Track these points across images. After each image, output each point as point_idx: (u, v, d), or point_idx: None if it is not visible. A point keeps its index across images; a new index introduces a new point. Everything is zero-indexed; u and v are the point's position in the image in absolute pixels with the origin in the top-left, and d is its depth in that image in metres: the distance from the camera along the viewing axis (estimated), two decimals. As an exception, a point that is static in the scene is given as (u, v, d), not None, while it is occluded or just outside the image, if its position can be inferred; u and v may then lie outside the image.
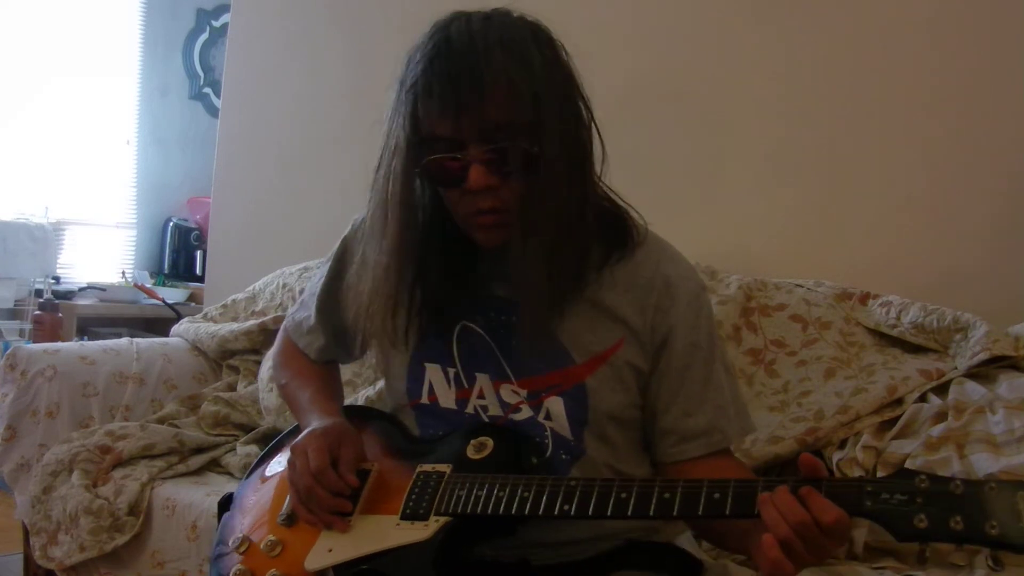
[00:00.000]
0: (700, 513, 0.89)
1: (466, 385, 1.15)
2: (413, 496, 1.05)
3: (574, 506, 0.94)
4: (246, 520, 1.18)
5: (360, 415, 1.25)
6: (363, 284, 1.12)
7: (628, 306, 1.10)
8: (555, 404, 1.11)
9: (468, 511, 1.00)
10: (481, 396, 1.14)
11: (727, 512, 0.88)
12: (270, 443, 1.32)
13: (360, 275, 1.14)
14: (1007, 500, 0.75)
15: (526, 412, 1.12)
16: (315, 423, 1.17)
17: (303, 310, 1.35)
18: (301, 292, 2.38)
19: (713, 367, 1.13)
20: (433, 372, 1.17)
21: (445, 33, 1.01)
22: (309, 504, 1.08)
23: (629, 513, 0.92)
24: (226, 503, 1.25)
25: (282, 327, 1.41)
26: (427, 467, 1.08)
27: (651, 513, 0.91)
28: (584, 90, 1.08)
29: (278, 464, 1.24)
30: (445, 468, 1.07)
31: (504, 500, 0.98)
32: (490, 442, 1.08)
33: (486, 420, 1.13)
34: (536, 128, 1.00)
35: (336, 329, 1.30)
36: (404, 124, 1.03)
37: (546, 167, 1.01)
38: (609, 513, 0.93)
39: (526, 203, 1.02)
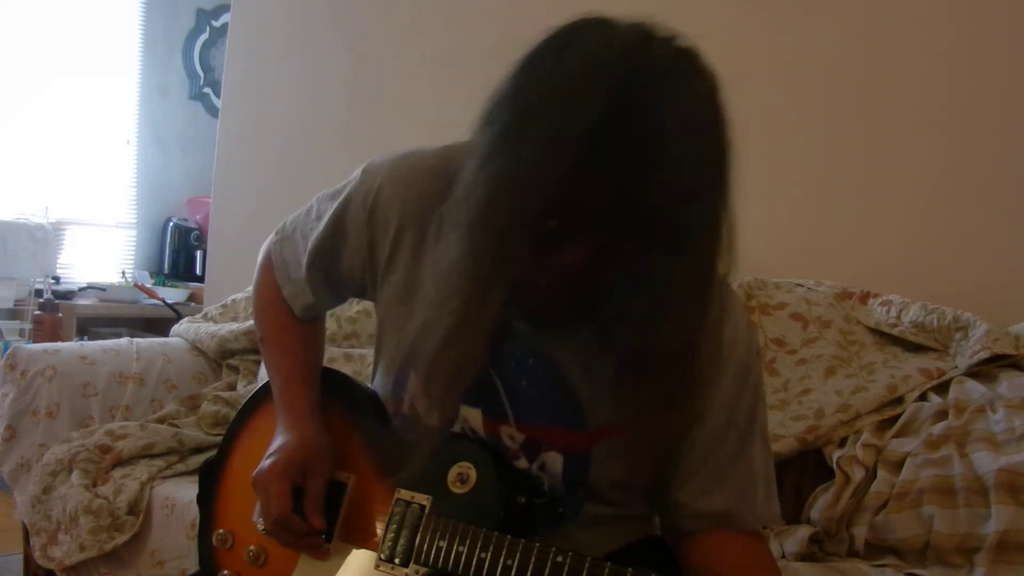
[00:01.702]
0: None
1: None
2: (391, 533, 0.99)
3: None
4: (226, 508, 1.14)
5: (338, 389, 1.15)
6: (429, 337, 0.91)
7: None
8: (553, 461, 1.00)
9: (448, 569, 0.94)
10: (468, 421, 1.04)
11: None
12: (233, 420, 1.22)
13: (427, 319, 0.93)
14: None
15: (522, 463, 1.01)
16: (280, 438, 1.07)
17: (292, 249, 1.15)
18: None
19: (747, 445, 0.99)
20: (416, 383, 1.04)
21: (636, 63, 0.79)
22: (281, 540, 1.04)
23: None
24: (208, 471, 1.19)
25: (265, 253, 1.20)
26: (406, 494, 1.00)
27: None
28: (732, 171, 0.90)
29: (254, 440, 1.15)
30: (424, 500, 0.99)
31: (486, 565, 0.91)
32: (473, 474, 0.98)
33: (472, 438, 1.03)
34: (674, 236, 0.82)
35: (329, 283, 1.14)
36: (553, 172, 0.77)
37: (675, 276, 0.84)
38: None
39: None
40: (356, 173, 1.10)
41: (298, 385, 1.13)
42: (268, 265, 1.19)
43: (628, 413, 0.92)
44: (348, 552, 1.04)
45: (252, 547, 1.09)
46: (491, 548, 0.91)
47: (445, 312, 0.88)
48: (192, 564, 1.70)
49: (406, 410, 1.06)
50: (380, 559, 0.99)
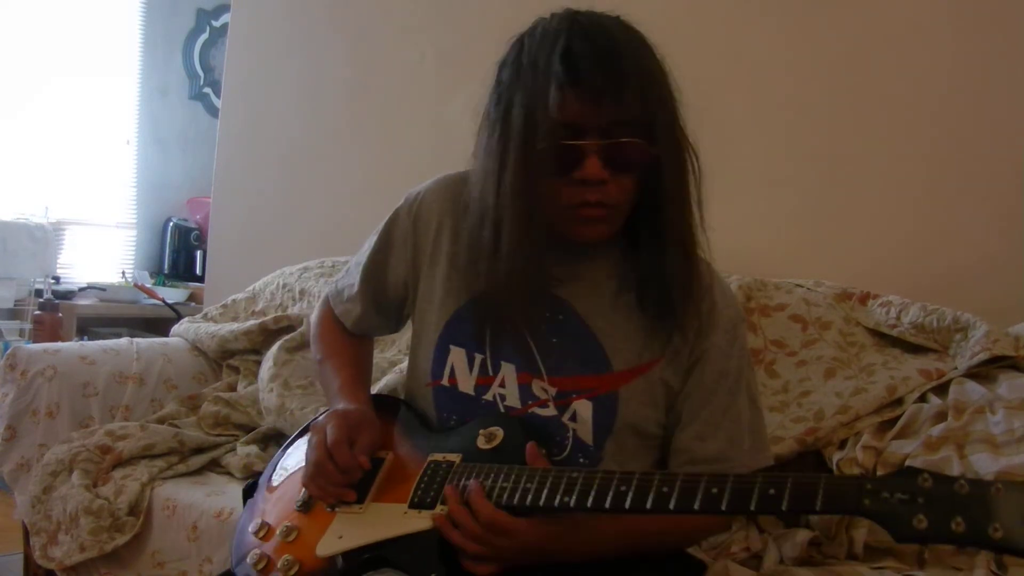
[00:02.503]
0: (697, 507, 0.89)
1: (490, 372, 1.15)
2: (422, 485, 1.07)
3: (574, 498, 0.95)
4: (267, 505, 1.21)
5: (382, 404, 1.27)
6: (494, 273, 1.08)
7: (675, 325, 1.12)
8: (583, 408, 1.12)
9: None
10: (502, 385, 1.15)
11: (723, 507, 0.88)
12: (270, 443, 1.34)
13: (479, 261, 1.10)
14: (1013, 502, 0.73)
15: (551, 411, 1.13)
16: (339, 406, 1.19)
17: (347, 278, 1.34)
18: (301, 292, 2.39)
19: (736, 398, 1.14)
20: (456, 356, 1.17)
21: (575, 22, 1.03)
22: (317, 478, 1.10)
23: (627, 506, 0.92)
24: (250, 490, 1.28)
25: (324, 295, 1.40)
26: (438, 456, 1.11)
27: (648, 507, 0.91)
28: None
29: (301, 452, 1.25)
30: (455, 458, 1.09)
31: (507, 490, 1.00)
32: (500, 433, 1.10)
33: (502, 410, 1.14)
34: (663, 127, 1.02)
35: (377, 299, 1.30)
36: (541, 105, 1.01)
37: (667, 171, 1.03)
38: (607, 506, 0.93)
39: (655, 207, 1.05)
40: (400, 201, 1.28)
41: (354, 385, 1.27)
42: (325, 300, 1.39)
43: (650, 345, 1.10)
44: (379, 509, 1.09)
45: (287, 524, 1.14)
46: (512, 477, 1.01)
47: (503, 243, 1.05)
48: (192, 565, 1.70)
49: (446, 383, 1.18)
50: (408, 508, 1.06)
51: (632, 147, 1.01)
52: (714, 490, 0.88)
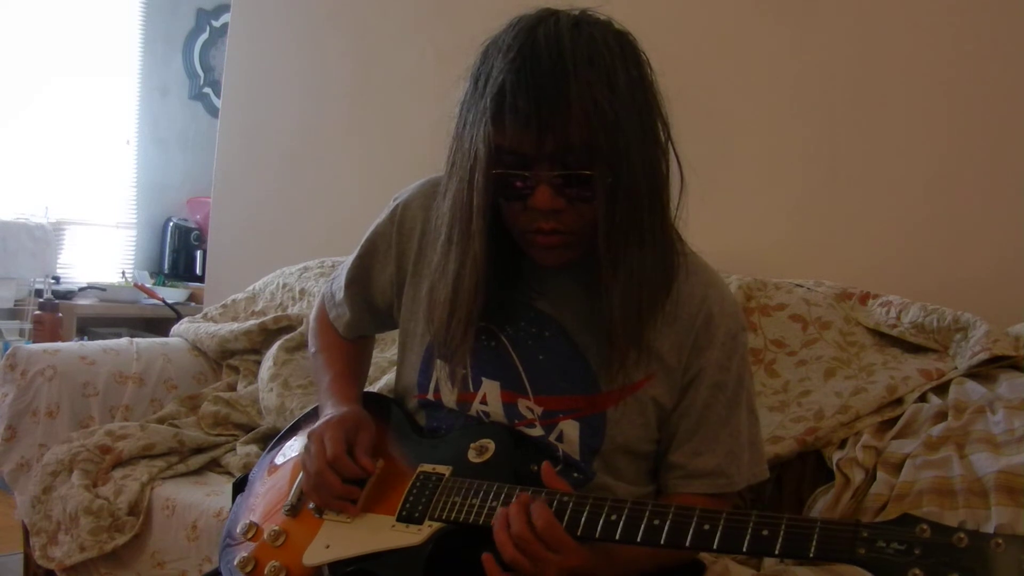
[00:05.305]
0: (688, 544, 0.88)
1: (471, 389, 1.14)
2: (411, 497, 1.05)
3: (564, 524, 0.94)
4: (256, 505, 1.20)
5: (374, 403, 1.25)
6: (438, 291, 1.08)
7: (666, 341, 1.09)
8: (570, 428, 1.10)
9: (460, 519, 1.00)
10: (483, 402, 1.13)
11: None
12: (273, 440, 1.33)
13: (434, 276, 1.10)
14: (1013, 559, 0.70)
15: (538, 431, 1.11)
16: (331, 410, 1.17)
17: (337, 281, 1.33)
18: (301, 292, 2.39)
19: (735, 410, 1.12)
20: (442, 369, 1.16)
21: (532, 38, 0.97)
22: (319, 489, 1.09)
23: (617, 537, 0.91)
24: (241, 484, 1.27)
25: (321, 292, 1.39)
26: (428, 467, 1.08)
27: (638, 539, 0.90)
28: (665, 110, 1.04)
29: (292, 449, 1.25)
30: (445, 470, 1.07)
31: (497, 512, 0.98)
32: (491, 446, 1.08)
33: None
34: (612, 155, 0.96)
35: (366, 303, 1.28)
36: (481, 131, 0.98)
37: (623, 196, 0.98)
38: (597, 535, 0.92)
39: (608, 233, 0.98)
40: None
41: (346, 382, 1.26)
42: (321, 298, 1.38)
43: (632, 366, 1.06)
44: (368, 519, 1.08)
45: (275, 527, 1.13)
46: (502, 497, 0.99)
47: (449, 261, 1.04)
48: (192, 565, 1.70)
49: (431, 397, 1.17)
50: (396, 521, 1.04)
51: (582, 177, 0.97)
52: (706, 526, 0.87)
